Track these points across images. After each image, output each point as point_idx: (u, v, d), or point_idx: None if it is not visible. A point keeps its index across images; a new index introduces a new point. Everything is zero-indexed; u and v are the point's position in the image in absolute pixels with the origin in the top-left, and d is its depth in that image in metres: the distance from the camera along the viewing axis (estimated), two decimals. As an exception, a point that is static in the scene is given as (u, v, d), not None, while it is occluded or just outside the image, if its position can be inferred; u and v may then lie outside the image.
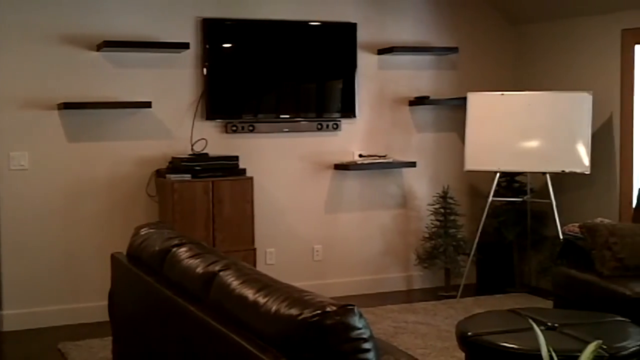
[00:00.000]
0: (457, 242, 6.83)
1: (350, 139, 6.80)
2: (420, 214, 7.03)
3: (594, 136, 6.32)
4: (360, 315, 2.35)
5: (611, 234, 5.24)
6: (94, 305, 5.84)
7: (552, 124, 6.40)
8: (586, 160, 6.25)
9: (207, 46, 6.27)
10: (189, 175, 5.91)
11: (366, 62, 6.80)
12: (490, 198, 6.57)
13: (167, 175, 5.96)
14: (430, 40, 7.03)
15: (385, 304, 6.46)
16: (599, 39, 6.53)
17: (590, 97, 6.27)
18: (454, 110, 7.02)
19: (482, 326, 4.12)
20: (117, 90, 6.06)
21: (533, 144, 6.45)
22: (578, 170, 6.30)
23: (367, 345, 2.33)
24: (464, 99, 6.65)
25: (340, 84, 6.76)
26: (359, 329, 2.33)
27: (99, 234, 6.05)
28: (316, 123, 6.65)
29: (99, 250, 5.84)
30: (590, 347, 2.58)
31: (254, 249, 6.06)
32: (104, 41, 5.87)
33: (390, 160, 6.83)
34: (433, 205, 6.89)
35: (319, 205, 6.76)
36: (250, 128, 6.45)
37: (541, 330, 2.85)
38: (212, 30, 6.30)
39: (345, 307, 2.34)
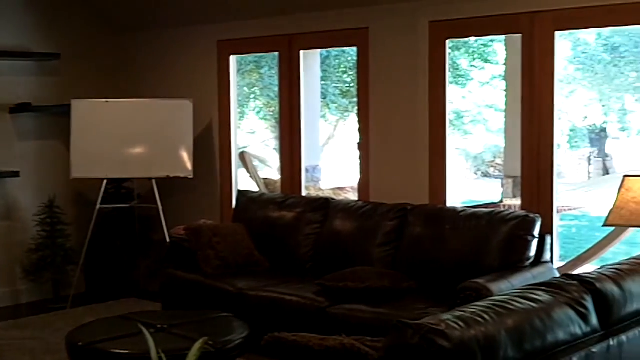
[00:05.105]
0: (66, 251, 6.73)
1: (-56, 148, 6.34)
2: (25, 225, 6.78)
3: (196, 142, 6.62)
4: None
5: (214, 234, 5.55)
6: None
7: (156, 130, 6.58)
8: (189, 165, 6.53)
9: None
10: None
11: (-41, 67, 6.39)
12: (98, 205, 6.55)
13: None
14: (31, 45, 6.80)
15: (-11, 322, 6.14)
16: (198, 49, 6.85)
17: (191, 104, 6.56)
18: (58, 118, 6.87)
19: (93, 335, 4.13)
20: None
21: (138, 150, 6.57)
22: (182, 175, 6.55)
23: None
24: (68, 106, 6.55)
25: None
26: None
27: None
28: None
29: None
30: (197, 345, 2.73)
31: None
32: None
33: (-9, 170, 6.50)
34: (39, 215, 6.69)
35: None
36: None
37: (151, 332, 2.94)
38: None
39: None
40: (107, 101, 6.62)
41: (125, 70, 7.38)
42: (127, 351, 3.86)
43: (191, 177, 6.56)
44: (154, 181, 6.54)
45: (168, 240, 6.17)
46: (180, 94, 6.79)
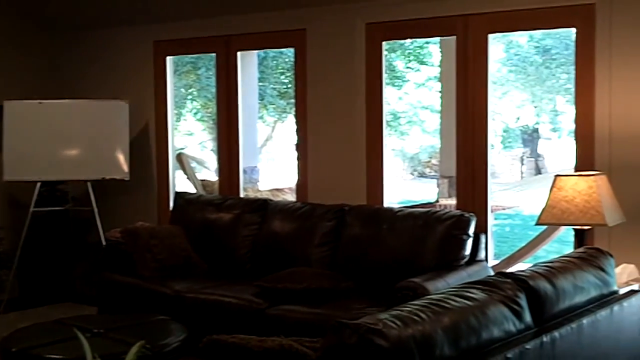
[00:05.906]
0: (-2, 256, 6.60)
1: None
2: (-45, 229, 6.62)
3: (132, 143, 6.55)
4: None
5: (151, 237, 5.49)
6: None
7: (92, 132, 6.49)
8: (125, 167, 6.46)
9: None
10: None
11: None
12: (32, 208, 6.43)
13: None
14: (-41, 45, 6.65)
15: None
16: (133, 50, 6.78)
17: (127, 105, 6.49)
18: (-12, 119, 6.73)
19: (28, 340, 4.06)
20: None
21: (73, 152, 6.47)
22: (118, 177, 6.48)
23: None
24: (1, 107, 6.41)
25: None
26: None
27: None
28: None
29: None
30: (134, 349, 2.71)
31: None
32: None
33: None
34: (-30, 219, 6.54)
35: None
36: None
37: (87, 337, 2.91)
38: None
39: None
40: (40, 102, 6.51)
41: (59, 71, 7.26)
42: (62, 356, 3.80)
43: (127, 179, 6.49)
44: (89, 183, 6.45)
45: (104, 243, 6.09)
46: (115, 95, 6.70)
